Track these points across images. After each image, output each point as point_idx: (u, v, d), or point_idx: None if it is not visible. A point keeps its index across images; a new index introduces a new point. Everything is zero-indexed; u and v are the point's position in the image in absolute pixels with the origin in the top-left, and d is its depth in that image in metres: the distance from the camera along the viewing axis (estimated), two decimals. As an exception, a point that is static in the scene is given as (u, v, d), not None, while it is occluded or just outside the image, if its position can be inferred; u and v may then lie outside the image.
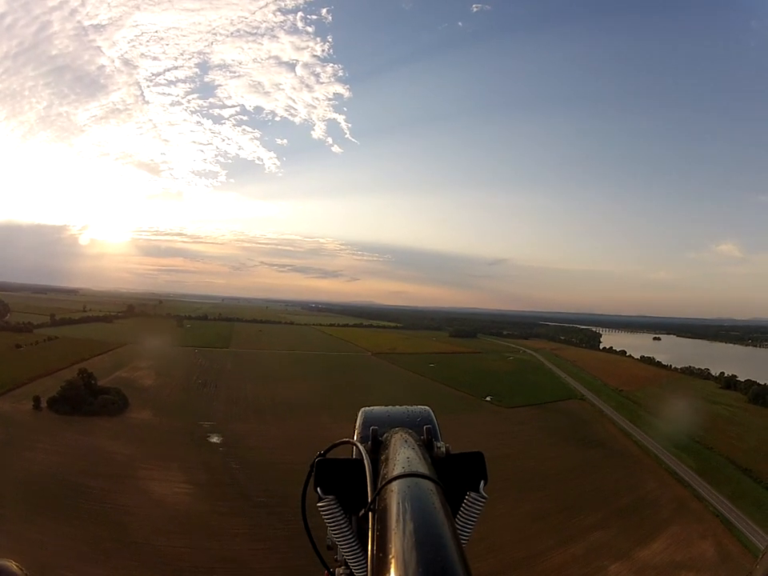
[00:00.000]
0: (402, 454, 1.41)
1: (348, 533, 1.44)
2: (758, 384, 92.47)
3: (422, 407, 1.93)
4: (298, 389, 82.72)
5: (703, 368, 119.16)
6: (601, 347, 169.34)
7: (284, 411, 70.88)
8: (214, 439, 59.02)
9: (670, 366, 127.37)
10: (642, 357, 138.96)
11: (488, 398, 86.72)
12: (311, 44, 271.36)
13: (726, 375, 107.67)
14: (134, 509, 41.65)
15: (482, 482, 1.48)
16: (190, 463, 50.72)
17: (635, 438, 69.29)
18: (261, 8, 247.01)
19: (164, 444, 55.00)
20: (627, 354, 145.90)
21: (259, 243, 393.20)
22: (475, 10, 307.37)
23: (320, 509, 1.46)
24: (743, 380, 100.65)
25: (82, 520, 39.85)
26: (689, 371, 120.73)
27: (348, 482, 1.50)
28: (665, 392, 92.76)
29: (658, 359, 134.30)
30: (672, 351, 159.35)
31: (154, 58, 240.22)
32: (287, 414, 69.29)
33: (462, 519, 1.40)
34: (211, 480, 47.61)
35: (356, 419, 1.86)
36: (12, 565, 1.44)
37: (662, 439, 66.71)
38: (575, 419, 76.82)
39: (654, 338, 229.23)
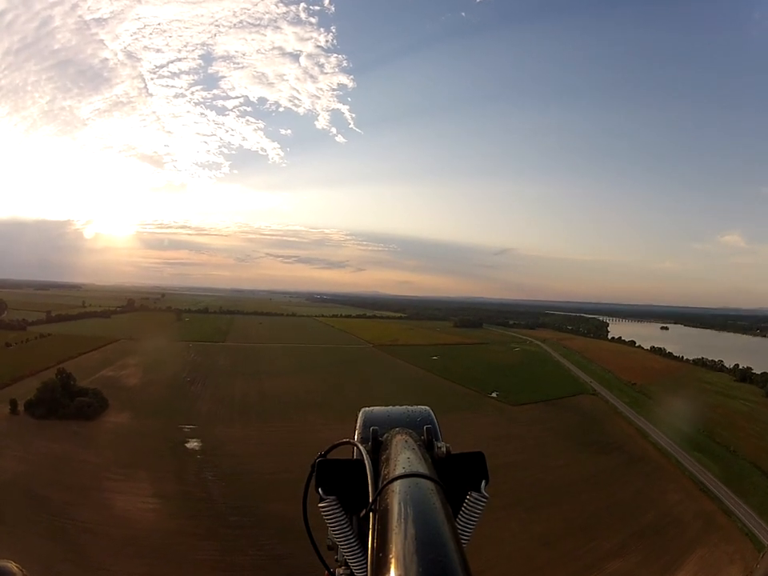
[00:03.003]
0: (403, 455, 1.42)
1: (349, 533, 1.45)
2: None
3: (422, 407, 1.91)
4: (290, 385, 78.77)
5: (716, 359, 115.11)
6: (609, 337, 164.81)
7: (271, 411, 66.87)
8: (193, 445, 54.94)
9: (682, 357, 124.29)
10: (653, 347, 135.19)
11: (494, 394, 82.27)
12: (314, 35, 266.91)
13: (740, 367, 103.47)
14: (93, 526, 38.11)
15: (483, 482, 1.48)
16: (162, 473, 46.67)
17: (653, 439, 64.47)
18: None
19: (137, 452, 50.97)
20: (636, 345, 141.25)
21: (264, 234, 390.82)
22: (478, 0, 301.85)
23: (321, 509, 1.47)
24: (759, 372, 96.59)
25: (39, 537, 36.45)
26: (701, 363, 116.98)
27: (349, 483, 1.51)
28: (679, 386, 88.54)
29: (668, 350, 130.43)
30: (681, 341, 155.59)
31: (157, 51, 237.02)
32: (274, 415, 65.26)
33: (463, 519, 1.41)
34: (182, 494, 43.47)
35: (356, 419, 1.84)
36: (13, 566, 1.45)
37: (681, 440, 62.09)
38: (587, 418, 72.06)
39: (662, 328, 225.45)
